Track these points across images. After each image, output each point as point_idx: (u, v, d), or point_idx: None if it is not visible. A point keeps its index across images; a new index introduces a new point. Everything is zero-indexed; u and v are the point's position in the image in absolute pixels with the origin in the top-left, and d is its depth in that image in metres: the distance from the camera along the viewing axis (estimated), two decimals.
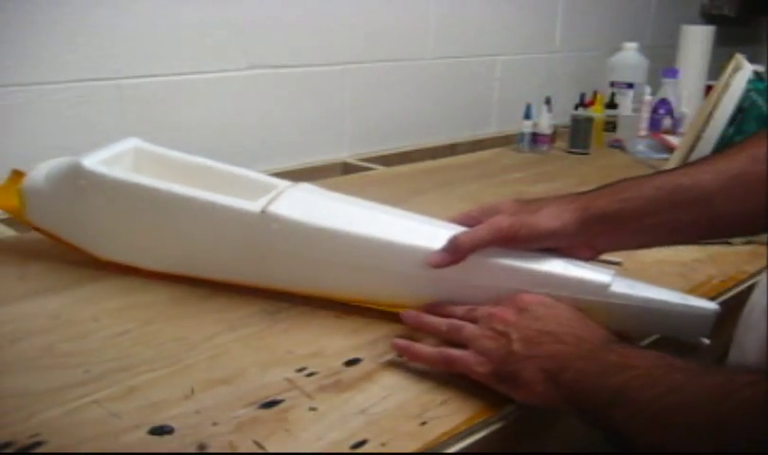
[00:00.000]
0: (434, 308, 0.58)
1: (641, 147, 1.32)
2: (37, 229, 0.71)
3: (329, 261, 0.60)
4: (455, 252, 0.56)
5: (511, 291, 0.56)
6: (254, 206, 0.61)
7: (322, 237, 0.60)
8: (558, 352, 0.48)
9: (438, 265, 0.56)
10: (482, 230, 0.56)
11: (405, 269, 0.59)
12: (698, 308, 0.55)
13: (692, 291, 0.68)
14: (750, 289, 0.59)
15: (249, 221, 0.61)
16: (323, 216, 0.60)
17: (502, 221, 0.56)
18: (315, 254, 0.60)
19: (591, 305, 0.55)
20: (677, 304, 0.55)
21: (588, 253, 0.58)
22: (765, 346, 0.50)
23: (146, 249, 0.67)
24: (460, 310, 0.56)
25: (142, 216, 0.65)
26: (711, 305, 0.55)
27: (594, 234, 0.57)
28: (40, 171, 0.69)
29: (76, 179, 0.65)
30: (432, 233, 0.58)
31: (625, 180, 0.58)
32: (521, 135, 1.34)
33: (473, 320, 0.54)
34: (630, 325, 0.56)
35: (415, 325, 0.57)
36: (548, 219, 0.56)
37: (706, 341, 0.55)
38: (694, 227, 0.56)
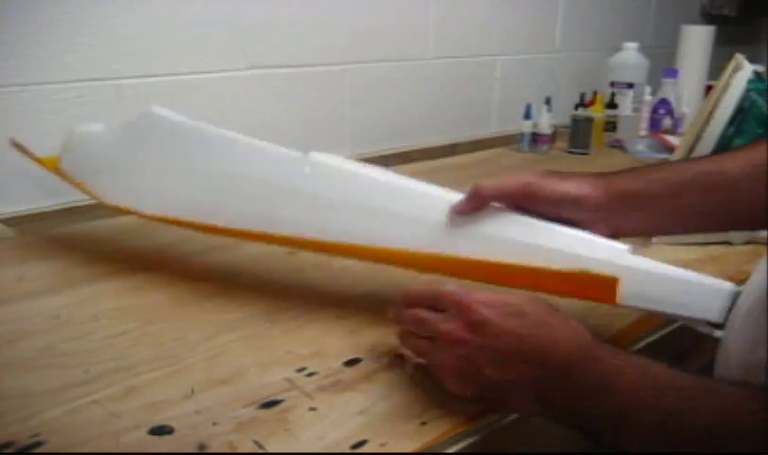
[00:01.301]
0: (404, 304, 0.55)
1: (641, 147, 1.32)
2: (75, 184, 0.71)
3: (359, 204, 0.60)
4: (476, 197, 0.56)
5: (526, 249, 0.55)
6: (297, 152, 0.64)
7: (356, 180, 0.61)
8: (529, 375, 0.46)
9: (460, 211, 0.56)
10: (505, 180, 0.56)
11: (427, 215, 0.58)
12: (714, 285, 0.53)
13: None
14: None
15: (294, 164, 0.63)
16: (355, 166, 0.63)
17: (528, 177, 0.56)
18: (348, 197, 0.61)
19: (607, 270, 0.54)
20: (694, 276, 0.53)
21: (605, 232, 0.56)
22: (747, 352, 0.49)
23: (185, 198, 0.66)
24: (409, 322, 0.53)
25: (195, 163, 0.66)
26: (729, 285, 0.53)
27: (615, 211, 0.56)
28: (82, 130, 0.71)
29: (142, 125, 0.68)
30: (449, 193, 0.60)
31: (648, 165, 0.58)
32: (521, 135, 1.34)
33: (426, 329, 0.51)
34: (644, 298, 0.54)
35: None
36: (573, 186, 0.56)
37: (718, 333, 0.53)
38: (717, 213, 0.55)
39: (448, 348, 0.49)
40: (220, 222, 0.64)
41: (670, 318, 0.57)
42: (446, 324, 0.49)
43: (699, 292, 0.53)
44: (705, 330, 0.54)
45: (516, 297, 0.49)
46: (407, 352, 0.53)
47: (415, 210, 0.59)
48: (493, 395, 0.48)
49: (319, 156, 0.63)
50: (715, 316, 0.53)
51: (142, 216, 0.66)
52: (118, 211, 0.68)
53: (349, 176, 0.61)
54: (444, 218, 0.58)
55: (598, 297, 0.54)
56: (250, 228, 0.63)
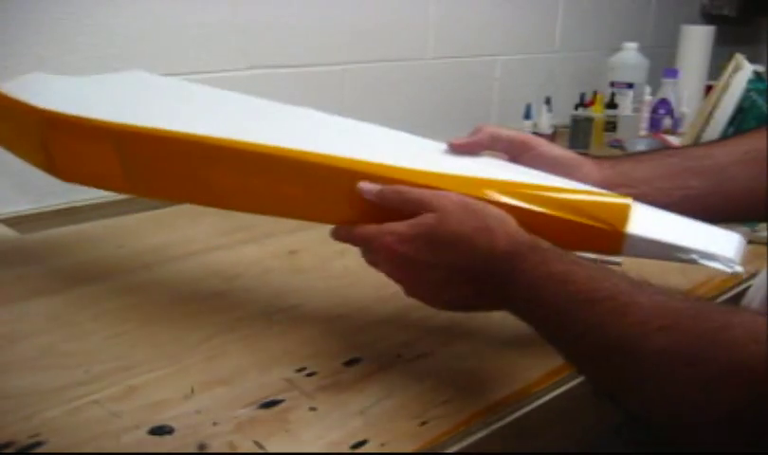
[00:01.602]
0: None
1: (641, 147, 1.32)
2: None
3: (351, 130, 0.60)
4: (477, 131, 0.57)
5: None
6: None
7: (349, 125, 0.61)
8: (472, 267, 0.47)
9: (458, 145, 0.57)
10: (505, 128, 0.58)
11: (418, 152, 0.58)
12: (725, 233, 0.51)
13: (693, 290, 0.68)
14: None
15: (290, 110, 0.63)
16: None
17: (525, 133, 0.59)
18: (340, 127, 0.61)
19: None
20: (701, 224, 0.51)
21: None
22: None
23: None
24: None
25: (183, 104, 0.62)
26: (737, 235, 0.51)
27: (605, 186, 0.55)
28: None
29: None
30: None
31: (639, 151, 0.59)
32: None
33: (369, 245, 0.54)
34: (655, 231, 0.50)
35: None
36: (569, 154, 0.57)
37: (739, 268, 0.49)
38: (704, 197, 0.55)
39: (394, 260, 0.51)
40: (190, 129, 0.55)
41: (681, 259, 0.51)
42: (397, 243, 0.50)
43: (711, 232, 0.51)
44: (724, 266, 0.50)
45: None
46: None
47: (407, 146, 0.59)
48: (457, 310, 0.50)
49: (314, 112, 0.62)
50: (731, 253, 0.50)
51: (66, 121, 0.57)
52: (44, 120, 0.58)
53: (339, 122, 0.61)
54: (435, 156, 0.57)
55: (607, 221, 0.50)
56: (229, 137, 0.54)
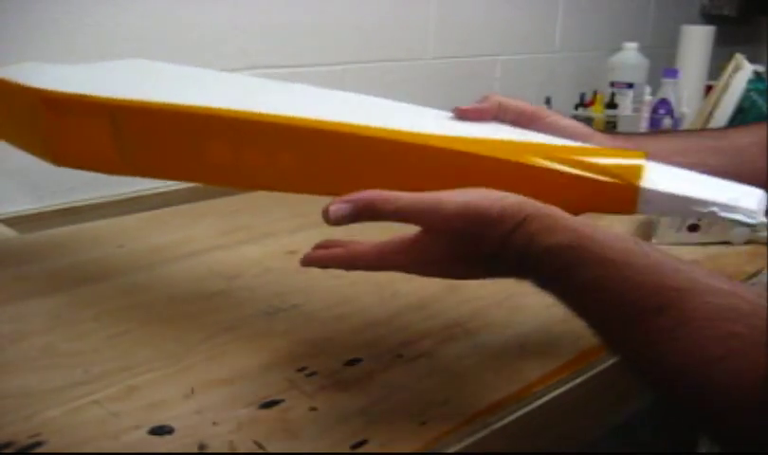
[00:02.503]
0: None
1: None
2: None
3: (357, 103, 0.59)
4: (485, 98, 0.56)
5: None
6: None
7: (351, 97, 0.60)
8: (491, 235, 0.44)
9: (464, 111, 0.56)
10: (512, 98, 0.56)
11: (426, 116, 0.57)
12: (743, 187, 0.47)
13: None
14: None
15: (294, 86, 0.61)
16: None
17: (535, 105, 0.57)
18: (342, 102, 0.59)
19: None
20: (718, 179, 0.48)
21: None
22: None
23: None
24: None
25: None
26: (758, 190, 0.47)
27: None
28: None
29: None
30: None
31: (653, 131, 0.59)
32: None
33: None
34: (672, 184, 0.47)
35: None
36: (580, 125, 0.56)
37: (763, 218, 0.46)
38: (722, 175, 0.52)
39: None
40: (181, 100, 0.54)
41: (700, 213, 0.47)
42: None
43: (730, 186, 0.47)
44: (746, 218, 0.46)
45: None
46: None
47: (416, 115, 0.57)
48: (441, 265, 0.47)
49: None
50: (753, 205, 0.46)
51: (61, 99, 0.55)
52: (40, 98, 0.56)
53: (341, 95, 0.60)
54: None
55: (622, 176, 0.47)
56: (232, 107, 0.52)
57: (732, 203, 0.46)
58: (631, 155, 0.48)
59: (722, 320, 0.37)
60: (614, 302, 0.40)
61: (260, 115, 0.51)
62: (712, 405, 0.37)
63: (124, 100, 0.54)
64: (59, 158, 0.60)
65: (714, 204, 0.46)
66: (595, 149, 0.50)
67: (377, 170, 0.51)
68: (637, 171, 0.47)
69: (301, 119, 0.51)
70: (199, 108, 0.52)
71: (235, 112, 0.52)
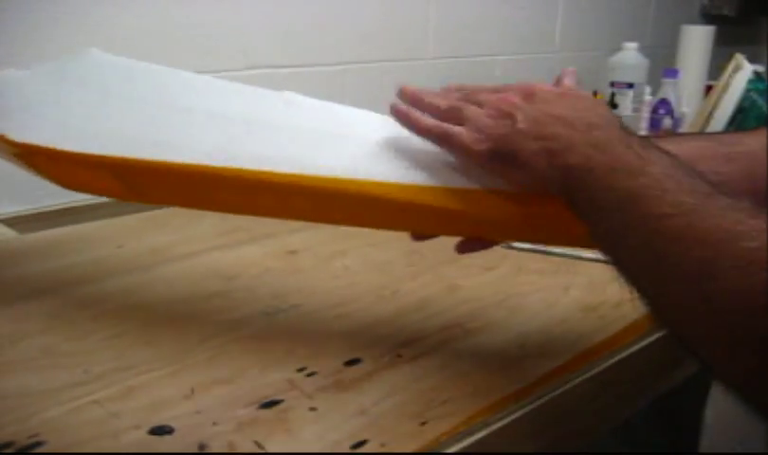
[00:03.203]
0: (429, 94, 0.54)
1: None
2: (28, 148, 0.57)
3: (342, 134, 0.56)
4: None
5: None
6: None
7: (334, 112, 0.60)
8: (567, 135, 0.46)
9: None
10: None
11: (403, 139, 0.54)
12: None
13: None
14: None
15: (263, 98, 0.59)
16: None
17: None
18: (330, 128, 0.57)
19: None
20: None
21: None
22: None
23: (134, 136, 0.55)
24: (459, 95, 0.53)
25: (144, 98, 0.58)
26: None
27: None
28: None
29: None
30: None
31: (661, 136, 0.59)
32: None
33: (477, 104, 0.50)
34: None
35: (413, 100, 0.54)
36: None
37: None
38: (735, 182, 0.53)
39: (484, 110, 0.49)
40: (170, 157, 0.53)
41: None
42: (501, 93, 0.50)
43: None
44: None
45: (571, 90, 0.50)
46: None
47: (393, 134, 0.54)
48: (510, 148, 0.47)
49: (294, 95, 0.59)
50: None
51: (62, 155, 0.54)
52: (27, 151, 0.56)
53: (325, 109, 0.59)
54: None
55: None
56: (207, 163, 0.52)
57: None
58: None
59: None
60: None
61: (265, 173, 0.52)
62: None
63: (122, 159, 0.53)
64: (64, 187, 0.60)
65: None
66: None
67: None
68: None
69: (304, 177, 0.51)
70: (204, 167, 0.52)
71: (239, 171, 0.52)
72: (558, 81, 0.53)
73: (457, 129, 0.49)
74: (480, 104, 0.50)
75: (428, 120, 0.51)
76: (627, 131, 0.46)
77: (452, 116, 0.50)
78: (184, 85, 0.59)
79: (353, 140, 0.55)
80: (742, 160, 0.54)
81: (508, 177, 0.48)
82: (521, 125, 0.47)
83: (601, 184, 0.43)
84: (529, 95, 0.48)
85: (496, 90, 0.51)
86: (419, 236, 0.55)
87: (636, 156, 0.43)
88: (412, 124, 0.51)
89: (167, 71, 0.60)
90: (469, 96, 0.52)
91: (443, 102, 0.51)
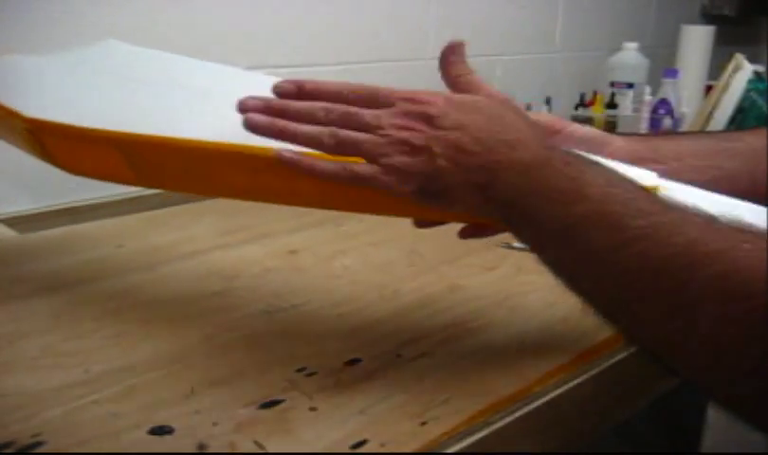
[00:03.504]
0: (288, 106, 0.46)
1: None
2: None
3: None
4: None
5: None
6: None
7: None
8: (490, 163, 0.43)
9: None
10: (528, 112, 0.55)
11: None
12: (752, 207, 0.49)
13: None
14: None
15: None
16: None
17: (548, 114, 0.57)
18: None
19: None
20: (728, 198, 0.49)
21: None
22: None
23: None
24: (328, 112, 0.45)
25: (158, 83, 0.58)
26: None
27: (637, 160, 0.53)
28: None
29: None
30: None
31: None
32: None
33: (363, 128, 0.45)
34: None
35: (273, 133, 0.46)
36: (599, 132, 0.56)
37: None
38: (736, 178, 0.54)
39: (389, 141, 0.44)
40: (180, 134, 0.52)
41: None
42: (391, 118, 0.44)
43: (738, 209, 0.49)
44: None
45: (468, 95, 0.46)
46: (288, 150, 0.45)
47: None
48: (435, 187, 0.44)
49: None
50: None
51: (69, 130, 0.54)
52: (37, 127, 0.55)
53: None
54: None
55: None
56: (216, 139, 0.51)
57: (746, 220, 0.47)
58: (643, 177, 0.49)
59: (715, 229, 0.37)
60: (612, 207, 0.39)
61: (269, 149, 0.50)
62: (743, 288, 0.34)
63: (133, 135, 0.53)
64: (69, 171, 0.60)
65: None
66: None
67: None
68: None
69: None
70: (212, 145, 0.51)
71: (243, 147, 0.50)
72: (446, 67, 0.49)
73: (368, 171, 0.44)
74: (365, 127, 0.45)
75: (327, 166, 0.45)
76: (548, 145, 0.44)
77: (347, 150, 0.45)
78: (199, 71, 0.59)
79: None
80: (744, 157, 0.54)
81: (444, 210, 0.46)
82: (440, 161, 0.43)
83: (539, 216, 0.42)
84: (429, 118, 0.44)
85: (370, 102, 0.46)
86: (423, 223, 0.53)
87: (568, 179, 0.41)
88: (308, 172, 0.45)
89: (183, 59, 0.60)
90: (348, 118, 0.45)
91: (324, 133, 0.45)
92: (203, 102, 0.56)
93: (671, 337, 0.37)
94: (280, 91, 0.47)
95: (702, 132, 0.58)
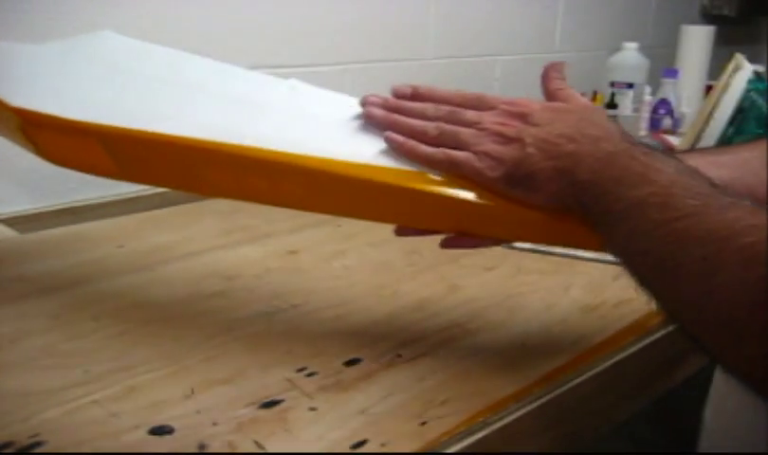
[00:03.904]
0: (404, 107, 0.53)
1: None
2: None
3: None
4: None
5: None
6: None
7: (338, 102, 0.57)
8: (575, 151, 0.47)
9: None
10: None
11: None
12: None
13: None
14: None
15: (273, 84, 0.58)
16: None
17: None
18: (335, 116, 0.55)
19: None
20: None
21: None
22: None
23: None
24: (438, 111, 0.52)
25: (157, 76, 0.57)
26: None
27: None
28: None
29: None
30: None
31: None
32: None
33: (466, 125, 0.51)
34: None
35: (392, 109, 0.53)
36: None
37: None
38: (726, 187, 0.54)
39: (486, 133, 0.50)
40: (163, 129, 0.52)
41: None
42: (491, 116, 0.51)
43: None
44: None
45: (562, 103, 0.52)
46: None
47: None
48: (523, 172, 0.48)
49: (298, 82, 0.58)
50: None
51: (46, 119, 0.53)
52: (18, 115, 0.54)
53: (329, 97, 0.58)
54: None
55: None
56: (199, 136, 0.51)
57: None
58: None
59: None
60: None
61: (258, 150, 0.51)
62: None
63: (113, 128, 0.52)
64: (56, 163, 0.60)
65: None
66: None
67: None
68: None
69: (297, 157, 0.50)
70: (194, 141, 0.51)
71: (232, 146, 0.51)
72: (546, 82, 0.55)
73: (463, 155, 0.49)
74: (467, 123, 0.51)
75: (427, 149, 0.50)
76: (629, 140, 0.47)
77: (448, 140, 0.51)
78: (194, 66, 0.59)
79: (358, 128, 0.54)
80: (731, 166, 0.54)
81: (523, 198, 0.49)
82: (530, 149, 0.48)
83: (610, 197, 0.45)
84: (524, 116, 0.50)
85: (476, 106, 0.52)
86: (403, 231, 0.54)
87: (641, 165, 0.44)
88: (410, 153, 0.51)
89: (179, 53, 0.60)
90: (453, 115, 0.52)
91: (429, 125, 0.51)
92: (193, 98, 0.56)
93: (697, 300, 0.39)
94: (397, 92, 0.55)
95: (690, 149, 0.59)
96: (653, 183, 0.43)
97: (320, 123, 0.55)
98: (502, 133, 0.49)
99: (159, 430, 0.45)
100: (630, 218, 0.43)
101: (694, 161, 0.56)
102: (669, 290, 0.42)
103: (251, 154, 0.51)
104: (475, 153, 0.49)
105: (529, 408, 0.50)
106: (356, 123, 0.55)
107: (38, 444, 0.43)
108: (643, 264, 0.44)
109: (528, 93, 0.56)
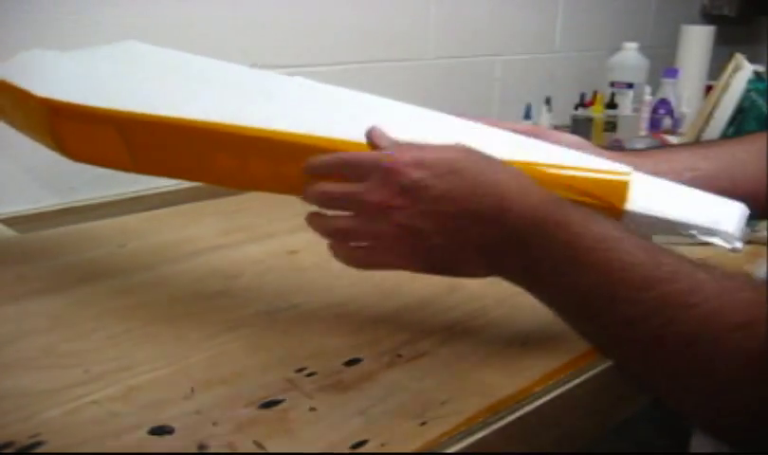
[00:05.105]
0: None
1: (641, 147, 1.32)
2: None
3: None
4: (485, 121, 0.56)
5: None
6: None
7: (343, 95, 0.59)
8: (480, 239, 0.45)
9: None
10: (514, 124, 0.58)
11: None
12: (726, 203, 0.50)
13: None
14: None
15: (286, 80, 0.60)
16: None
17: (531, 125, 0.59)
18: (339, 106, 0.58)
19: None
20: (700, 192, 0.50)
21: None
22: None
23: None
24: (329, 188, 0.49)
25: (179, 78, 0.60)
26: (738, 204, 0.50)
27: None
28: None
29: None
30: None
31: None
32: None
33: (349, 205, 0.48)
34: (654, 204, 0.50)
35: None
36: (577, 139, 0.58)
37: (739, 245, 0.49)
38: (714, 178, 0.54)
39: (381, 218, 0.45)
40: (187, 113, 0.55)
41: (681, 234, 0.51)
42: (372, 194, 0.45)
43: (712, 205, 0.50)
44: (724, 242, 0.49)
45: (445, 149, 0.46)
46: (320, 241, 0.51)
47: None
48: (443, 265, 0.47)
49: (304, 79, 0.60)
50: (731, 228, 0.49)
51: (66, 108, 0.56)
52: (49, 108, 0.57)
53: (336, 91, 0.59)
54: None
55: (604, 199, 0.50)
56: (209, 119, 0.54)
57: (712, 226, 0.49)
58: (617, 173, 0.50)
59: (736, 290, 0.37)
60: (619, 274, 0.40)
61: (263, 130, 0.53)
62: (726, 375, 0.35)
63: (130, 114, 0.55)
64: (74, 157, 0.61)
65: (694, 227, 0.49)
66: (580, 167, 0.52)
67: None
68: (622, 191, 0.49)
69: (301, 136, 0.53)
70: (204, 123, 0.54)
71: (239, 127, 0.53)
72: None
73: (376, 257, 0.49)
74: (351, 205, 0.48)
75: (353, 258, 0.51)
76: (534, 203, 0.44)
77: (346, 239, 0.50)
78: (211, 67, 0.61)
79: (365, 114, 0.55)
80: (722, 158, 0.55)
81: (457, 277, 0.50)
82: (436, 240, 0.45)
83: (533, 280, 0.46)
84: (408, 190, 0.45)
85: (345, 178, 0.48)
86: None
87: (565, 246, 0.42)
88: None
89: (198, 58, 0.62)
90: (335, 204, 0.49)
91: (330, 226, 0.50)
92: (207, 90, 0.58)
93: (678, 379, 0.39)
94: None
95: (680, 144, 0.60)
96: (588, 266, 0.41)
97: (326, 112, 0.56)
98: (400, 223, 0.45)
99: (159, 430, 0.45)
100: (586, 314, 0.44)
101: (685, 154, 0.56)
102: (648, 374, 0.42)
103: (258, 133, 0.53)
104: (389, 250, 0.48)
105: (529, 408, 0.51)
106: (363, 114, 0.56)
107: (38, 443, 0.43)
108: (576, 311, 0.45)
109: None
